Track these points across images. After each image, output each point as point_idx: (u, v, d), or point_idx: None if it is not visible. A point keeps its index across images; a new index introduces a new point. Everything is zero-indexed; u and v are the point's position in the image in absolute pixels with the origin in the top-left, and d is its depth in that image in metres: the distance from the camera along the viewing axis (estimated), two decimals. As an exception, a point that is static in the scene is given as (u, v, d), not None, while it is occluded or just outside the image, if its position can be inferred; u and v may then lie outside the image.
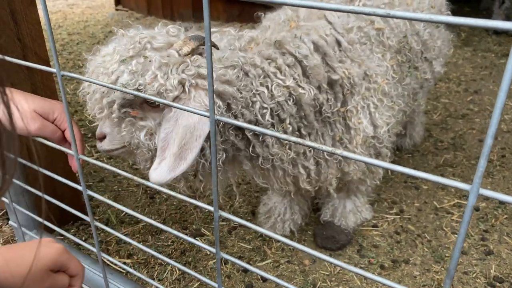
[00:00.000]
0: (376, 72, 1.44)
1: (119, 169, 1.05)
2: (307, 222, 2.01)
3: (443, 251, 1.83)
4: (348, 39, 1.40)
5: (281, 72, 1.24)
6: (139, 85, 1.08)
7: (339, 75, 1.33)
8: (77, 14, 6.10)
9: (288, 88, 1.24)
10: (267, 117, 1.22)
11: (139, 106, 1.15)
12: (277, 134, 0.68)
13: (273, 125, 1.27)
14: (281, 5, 0.97)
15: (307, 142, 0.68)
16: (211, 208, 0.87)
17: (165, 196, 2.19)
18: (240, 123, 0.74)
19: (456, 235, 1.92)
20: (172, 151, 1.10)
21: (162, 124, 1.13)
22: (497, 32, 4.74)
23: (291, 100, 1.25)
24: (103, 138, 1.23)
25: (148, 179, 1.14)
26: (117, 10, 6.17)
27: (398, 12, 0.51)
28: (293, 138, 0.68)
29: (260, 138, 1.28)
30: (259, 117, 1.22)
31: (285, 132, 1.30)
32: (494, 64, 3.97)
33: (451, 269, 0.61)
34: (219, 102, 1.13)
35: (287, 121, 1.28)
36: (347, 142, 1.43)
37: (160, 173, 1.09)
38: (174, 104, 0.79)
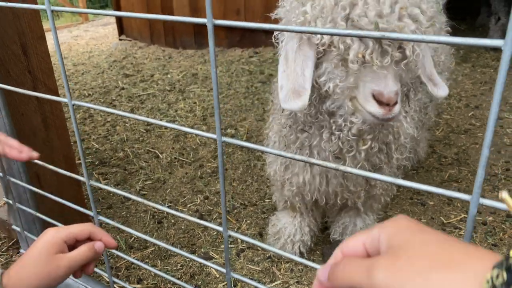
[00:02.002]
0: None
1: (128, 194, 1.07)
2: (315, 242, 2.02)
3: (453, 266, 1.83)
4: None
5: None
6: None
7: None
8: (82, 45, 6.25)
9: None
10: None
11: None
12: (275, 151, 0.71)
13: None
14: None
15: (314, 161, 0.70)
16: (220, 229, 0.89)
17: (173, 221, 2.21)
18: (244, 143, 0.77)
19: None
20: None
21: None
22: (495, 49, 4.79)
23: None
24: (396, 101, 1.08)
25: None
26: (120, 40, 6.31)
27: (392, 34, 0.54)
28: (298, 156, 0.70)
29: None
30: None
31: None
32: (493, 79, 4.02)
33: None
34: None
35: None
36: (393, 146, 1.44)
37: None
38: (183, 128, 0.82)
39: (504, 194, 0.44)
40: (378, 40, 1.04)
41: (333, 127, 1.27)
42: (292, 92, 1.14)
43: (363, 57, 1.04)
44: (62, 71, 0.93)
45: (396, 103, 1.07)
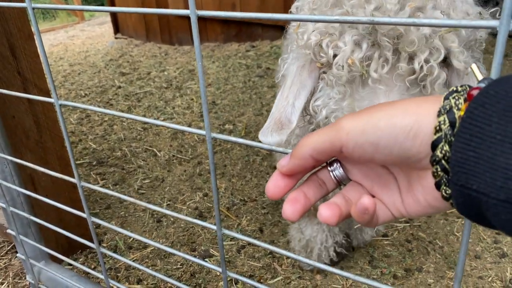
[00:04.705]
0: None
1: (125, 195, 1.05)
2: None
3: (456, 256, 1.80)
4: None
5: None
6: None
7: None
8: (78, 45, 6.21)
9: None
10: None
11: None
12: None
13: None
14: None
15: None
16: (214, 227, 0.86)
17: (172, 219, 2.18)
18: (234, 138, 0.74)
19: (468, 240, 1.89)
20: None
21: None
22: (494, 34, 4.75)
23: None
24: None
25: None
26: (116, 38, 6.28)
27: (382, 18, 0.51)
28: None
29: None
30: None
31: None
32: (493, 66, 3.98)
33: (459, 271, 0.60)
34: None
35: None
36: None
37: None
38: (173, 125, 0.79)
39: (473, 65, 0.50)
40: (376, 44, 0.87)
41: None
42: (275, 123, 1.03)
43: (352, 63, 0.87)
44: (47, 70, 0.91)
45: None
